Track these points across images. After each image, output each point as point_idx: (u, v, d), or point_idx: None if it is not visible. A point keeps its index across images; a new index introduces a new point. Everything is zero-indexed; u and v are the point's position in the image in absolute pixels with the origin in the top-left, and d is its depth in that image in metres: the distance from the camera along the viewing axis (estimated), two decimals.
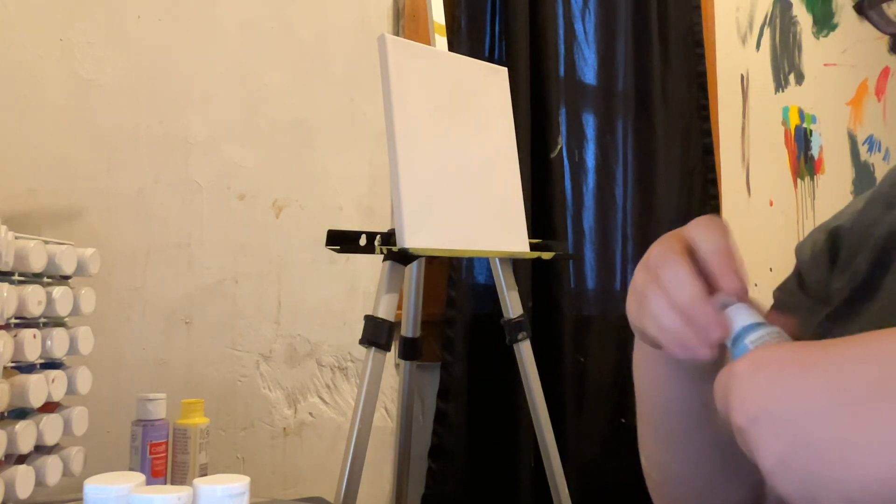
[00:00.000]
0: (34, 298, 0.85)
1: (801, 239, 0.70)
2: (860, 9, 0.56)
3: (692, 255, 0.47)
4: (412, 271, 1.31)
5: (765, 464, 0.36)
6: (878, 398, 0.33)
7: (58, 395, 0.88)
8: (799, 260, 0.67)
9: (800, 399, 0.35)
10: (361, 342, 1.10)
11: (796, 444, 0.35)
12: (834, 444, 0.34)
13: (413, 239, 1.07)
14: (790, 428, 0.35)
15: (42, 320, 0.89)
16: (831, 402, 0.34)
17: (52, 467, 0.86)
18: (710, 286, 0.46)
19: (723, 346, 0.46)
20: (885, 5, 0.55)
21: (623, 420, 1.82)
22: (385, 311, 1.10)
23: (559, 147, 1.76)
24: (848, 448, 0.33)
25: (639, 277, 0.50)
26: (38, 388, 0.83)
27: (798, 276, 0.67)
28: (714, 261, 0.46)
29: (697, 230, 0.48)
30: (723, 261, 0.46)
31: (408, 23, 1.64)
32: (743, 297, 0.45)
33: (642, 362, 0.59)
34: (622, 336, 1.84)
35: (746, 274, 0.46)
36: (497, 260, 1.28)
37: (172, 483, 0.98)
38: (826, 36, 2.84)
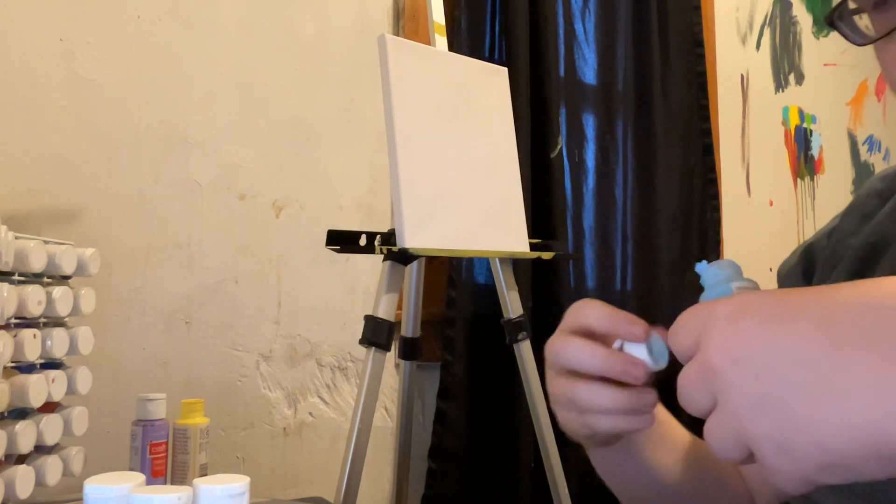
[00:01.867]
0: (34, 298, 0.85)
1: (801, 240, 0.72)
2: (830, 21, 0.56)
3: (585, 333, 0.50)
4: (412, 271, 1.30)
5: (737, 402, 0.35)
6: (868, 346, 0.33)
7: (58, 395, 0.88)
8: (778, 279, 0.68)
9: (787, 343, 0.34)
10: (361, 342, 1.10)
11: (777, 386, 0.34)
12: (816, 389, 0.33)
13: (413, 239, 1.07)
14: (773, 370, 0.34)
15: (42, 320, 0.89)
16: (819, 348, 0.34)
17: (52, 467, 0.86)
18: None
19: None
20: (856, 17, 0.55)
21: None
22: (385, 311, 1.10)
23: (559, 147, 1.76)
24: (829, 393, 0.33)
25: (554, 386, 0.52)
26: (38, 388, 0.83)
27: None
28: (608, 322, 0.49)
29: (577, 313, 0.51)
30: (614, 317, 0.49)
31: (408, 23, 1.64)
32: (646, 336, 0.48)
33: (604, 469, 0.62)
34: None
35: (641, 321, 0.49)
36: (497, 260, 1.28)
37: (172, 483, 0.98)
38: (826, 36, 2.84)
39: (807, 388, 0.33)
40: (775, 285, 0.70)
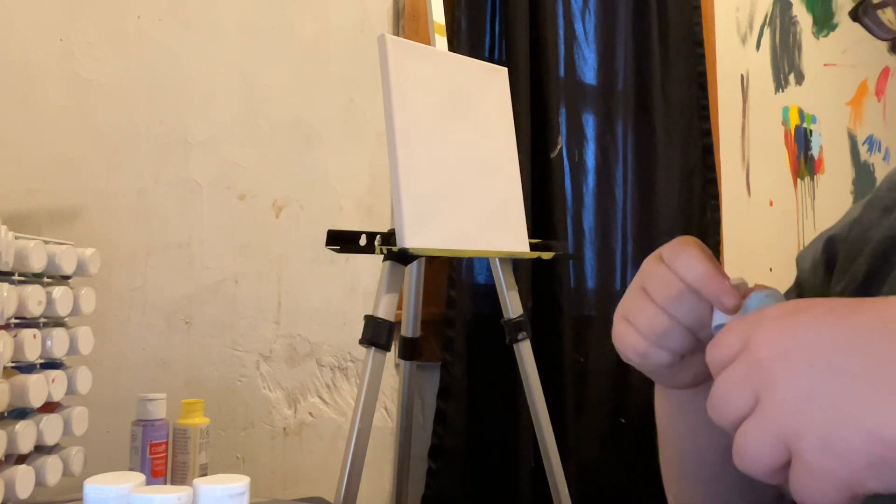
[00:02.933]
0: (34, 298, 0.85)
1: (801, 240, 0.71)
2: (855, 16, 0.56)
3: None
4: (412, 271, 1.31)
5: (784, 395, 0.33)
6: None
7: (58, 395, 0.88)
8: (799, 269, 0.67)
9: (844, 332, 0.33)
10: (361, 342, 1.10)
11: (830, 376, 0.32)
12: (873, 376, 0.32)
13: (413, 239, 1.07)
14: (828, 359, 0.33)
15: (42, 320, 0.89)
16: (879, 335, 0.32)
17: (52, 467, 0.86)
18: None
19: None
20: (879, 11, 0.55)
21: (623, 420, 1.82)
22: (385, 311, 1.10)
23: (559, 147, 1.76)
24: (887, 378, 0.31)
25: (629, 297, 0.50)
26: (38, 388, 0.83)
27: (798, 287, 0.67)
28: (699, 284, 0.46)
29: (677, 260, 0.48)
30: (707, 280, 0.46)
31: (408, 23, 1.64)
32: (735, 310, 0.45)
33: (668, 412, 0.59)
34: None
35: (735, 293, 0.46)
36: (497, 260, 1.28)
37: (172, 483, 0.98)
38: (826, 36, 2.84)
39: (863, 375, 0.32)
40: (776, 284, 0.70)
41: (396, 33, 1.64)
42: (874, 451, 0.31)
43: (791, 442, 0.33)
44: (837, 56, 2.87)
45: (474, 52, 1.66)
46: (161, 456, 0.97)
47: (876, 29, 0.55)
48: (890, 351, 0.32)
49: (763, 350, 0.35)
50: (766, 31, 2.60)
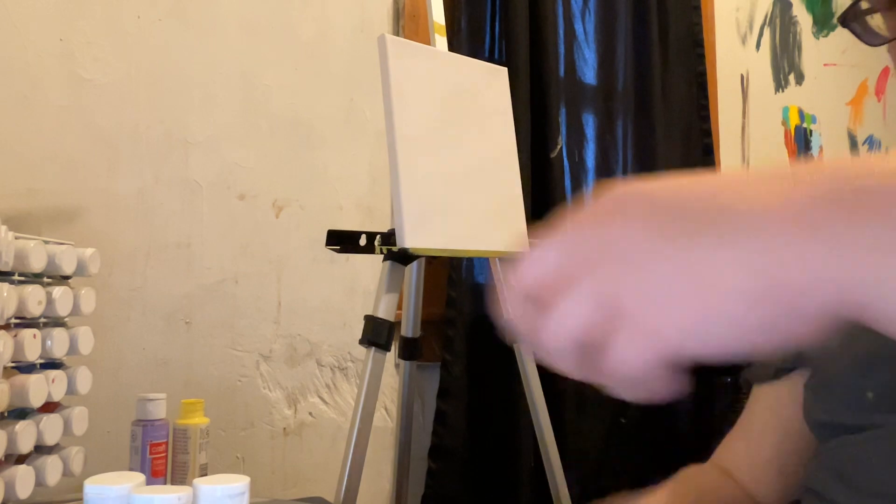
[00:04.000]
0: (34, 298, 0.85)
1: None
2: (844, 21, 0.56)
3: None
4: (412, 271, 1.30)
5: (619, 261, 0.30)
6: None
7: (58, 395, 0.87)
8: None
9: (675, 195, 0.31)
10: (361, 342, 1.10)
11: (661, 230, 0.30)
12: (707, 229, 0.29)
13: (413, 239, 1.07)
14: (657, 220, 0.30)
15: (42, 320, 0.89)
16: (711, 193, 0.30)
17: (52, 467, 0.86)
18: None
19: None
20: (868, 17, 0.55)
21: (623, 420, 1.82)
22: (385, 311, 1.10)
23: (559, 147, 1.76)
24: (720, 230, 0.29)
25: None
26: (38, 388, 0.83)
27: None
28: None
29: None
30: None
31: (408, 23, 1.64)
32: None
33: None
34: None
35: None
36: (497, 260, 1.28)
37: (172, 483, 0.98)
38: (826, 36, 2.84)
39: (699, 228, 0.29)
40: None
41: (396, 33, 1.64)
42: (709, 302, 0.28)
43: (619, 302, 0.30)
44: (837, 56, 2.87)
45: (474, 52, 1.66)
46: (161, 456, 0.97)
47: (864, 34, 0.56)
48: (725, 204, 0.30)
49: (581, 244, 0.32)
50: (766, 31, 2.60)
